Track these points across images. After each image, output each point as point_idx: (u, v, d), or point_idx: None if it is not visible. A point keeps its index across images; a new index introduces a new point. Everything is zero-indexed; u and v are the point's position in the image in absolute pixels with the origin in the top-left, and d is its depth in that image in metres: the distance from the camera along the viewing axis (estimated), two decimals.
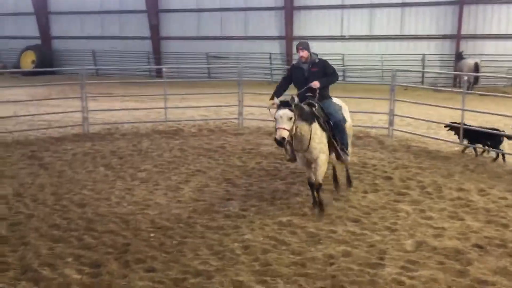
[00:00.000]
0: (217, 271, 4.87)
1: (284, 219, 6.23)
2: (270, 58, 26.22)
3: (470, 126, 9.69)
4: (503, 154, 9.03)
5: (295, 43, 25.64)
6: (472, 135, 9.52)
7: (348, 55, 24.43)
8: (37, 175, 8.29)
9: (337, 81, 7.01)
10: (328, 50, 24.89)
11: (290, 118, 5.78)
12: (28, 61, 30.01)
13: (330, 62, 7.09)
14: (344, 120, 6.88)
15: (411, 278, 4.74)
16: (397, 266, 4.98)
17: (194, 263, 5.05)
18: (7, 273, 4.80)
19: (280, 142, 5.73)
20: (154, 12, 28.66)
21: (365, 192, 7.40)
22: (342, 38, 25.07)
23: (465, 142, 9.65)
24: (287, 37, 25.82)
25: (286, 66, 25.39)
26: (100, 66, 28.86)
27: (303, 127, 6.06)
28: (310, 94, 6.65)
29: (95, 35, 30.46)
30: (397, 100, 11.33)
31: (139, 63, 29.11)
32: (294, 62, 6.98)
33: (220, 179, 8.11)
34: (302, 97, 6.58)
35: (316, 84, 6.62)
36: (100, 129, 12.19)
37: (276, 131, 5.75)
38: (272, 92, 6.76)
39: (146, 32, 29.10)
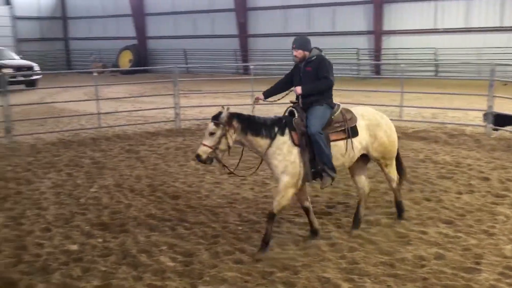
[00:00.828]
0: (304, 267, 4.90)
1: (371, 218, 6.11)
2: (357, 53, 25.69)
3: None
4: None
5: (384, 38, 25.11)
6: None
7: (441, 49, 23.23)
8: (134, 167, 8.84)
9: (327, 88, 5.57)
10: (420, 45, 23.90)
11: (212, 133, 5.08)
12: (125, 60, 32.01)
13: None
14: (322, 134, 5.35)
15: (511, 285, 4.45)
16: (495, 272, 4.70)
17: (281, 257, 5.13)
18: (110, 258, 5.18)
19: (198, 159, 5.17)
20: (242, 10, 29.24)
21: (459, 193, 7.04)
22: (435, 31, 23.88)
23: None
24: (376, 32, 25.13)
25: (374, 62, 24.81)
26: (190, 64, 30.01)
27: (257, 141, 5.27)
28: (293, 101, 5.70)
29: (186, 34, 31.71)
30: (496, 96, 10.62)
31: (227, 61, 29.86)
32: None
33: None
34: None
35: (297, 90, 5.55)
36: (191, 125, 12.71)
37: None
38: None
39: (234, 30, 29.78)
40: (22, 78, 21.82)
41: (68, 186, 7.76)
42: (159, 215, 6.42)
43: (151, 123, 12.87)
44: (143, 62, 31.65)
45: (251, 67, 14.87)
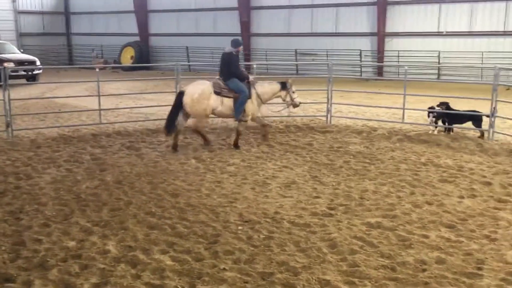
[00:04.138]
0: (304, 268, 4.86)
1: (372, 221, 6.07)
2: (360, 55, 25.66)
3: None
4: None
5: (387, 40, 25.06)
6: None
7: (444, 52, 23.21)
8: (134, 164, 8.79)
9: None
10: (423, 47, 23.89)
11: None
12: (127, 57, 31.96)
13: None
14: None
15: None
16: (497, 277, 4.66)
17: (281, 258, 5.08)
18: (108, 255, 5.13)
19: None
20: (245, 9, 29.18)
21: (461, 197, 7.00)
22: (438, 34, 23.86)
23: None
24: (379, 34, 25.09)
25: (377, 64, 24.77)
26: (192, 62, 29.96)
27: None
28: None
29: (189, 32, 31.66)
30: (499, 100, 10.57)
31: None
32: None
33: (307, 176, 8.08)
34: None
35: None
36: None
37: None
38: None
39: (237, 29, 29.72)
40: (23, 73, 21.80)
41: (68, 182, 7.71)
42: (159, 213, 6.36)
43: (152, 120, 12.81)
44: (145, 59, 31.60)
45: (254, 66, 14.82)
